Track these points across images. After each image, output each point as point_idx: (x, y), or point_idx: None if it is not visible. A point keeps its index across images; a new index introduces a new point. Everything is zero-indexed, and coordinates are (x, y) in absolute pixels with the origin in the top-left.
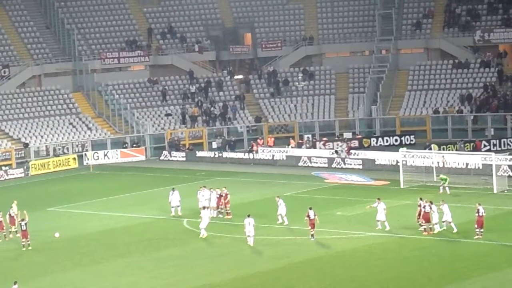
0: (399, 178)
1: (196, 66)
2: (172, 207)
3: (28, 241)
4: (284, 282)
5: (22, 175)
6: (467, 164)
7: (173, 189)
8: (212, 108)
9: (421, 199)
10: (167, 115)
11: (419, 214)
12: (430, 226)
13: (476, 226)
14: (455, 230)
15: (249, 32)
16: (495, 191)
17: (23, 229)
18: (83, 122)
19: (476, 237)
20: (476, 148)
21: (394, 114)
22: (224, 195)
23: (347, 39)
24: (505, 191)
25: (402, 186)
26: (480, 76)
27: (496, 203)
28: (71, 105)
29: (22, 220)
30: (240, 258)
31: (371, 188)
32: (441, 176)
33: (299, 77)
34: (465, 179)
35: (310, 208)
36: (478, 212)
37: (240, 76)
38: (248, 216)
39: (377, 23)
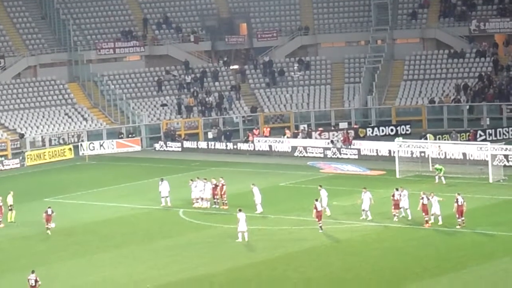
0: (395, 168)
1: (191, 56)
2: (162, 197)
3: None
4: (280, 272)
5: (18, 165)
6: (463, 154)
7: (162, 179)
8: (207, 98)
9: (397, 189)
10: (163, 105)
11: (395, 205)
12: (426, 218)
13: (456, 215)
14: (440, 223)
15: (244, 22)
16: (491, 181)
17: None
18: (79, 113)
19: (458, 226)
20: (473, 139)
21: (389, 104)
22: (220, 185)
23: (343, 29)
24: (501, 181)
25: (398, 176)
26: (475, 66)
27: (492, 192)
28: (66, 96)
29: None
30: (236, 248)
31: (367, 178)
32: (436, 166)
33: (295, 67)
34: (461, 169)
35: (317, 200)
36: (457, 201)
37: (236, 66)
38: (240, 210)
39: (373, 13)
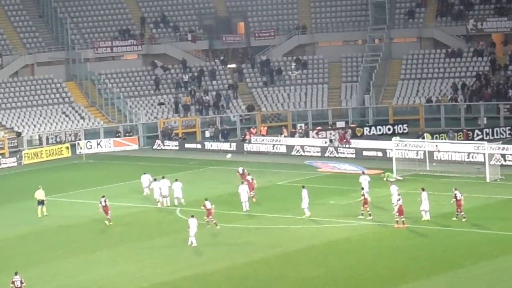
0: (391, 167)
1: (189, 55)
2: (165, 197)
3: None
4: (277, 271)
5: (15, 164)
6: (460, 153)
7: (155, 179)
8: (205, 97)
9: (362, 188)
10: (160, 104)
11: (364, 203)
12: (403, 219)
13: (457, 210)
14: (424, 218)
15: (242, 21)
16: (487, 180)
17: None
18: (76, 111)
19: (456, 218)
20: (466, 138)
21: (387, 103)
22: (251, 180)
23: (340, 28)
24: (498, 180)
25: (395, 175)
26: (473, 65)
27: (489, 192)
28: (64, 94)
29: None
30: (233, 247)
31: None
32: (388, 174)
33: (292, 66)
34: (458, 168)
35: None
36: (455, 196)
37: (233, 65)
38: (192, 216)
39: (370, 12)
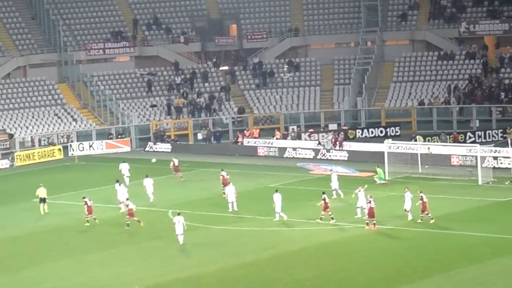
0: (384, 170)
1: (181, 57)
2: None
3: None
4: (269, 273)
5: (7, 166)
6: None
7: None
8: (198, 99)
9: (323, 193)
10: (153, 106)
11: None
12: (374, 221)
13: (422, 212)
14: (409, 218)
15: (234, 23)
16: (480, 183)
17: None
18: (68, 113)
19: (420, 221)
20: (455, 141)
21: (379, 106)
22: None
23: (333, 31)
24: (490, 183)
25: (387, 178)
26: (465, 68)
27: (481, 194)
28: (56, 96)
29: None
30: (225, 249)
31: (356, 179)
32: (379, 170)
33: (285, 69)
34: (450, 171)
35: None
36: (422, 198)
37: (226, 67)
38: (178, 214)
39: (363, 14)
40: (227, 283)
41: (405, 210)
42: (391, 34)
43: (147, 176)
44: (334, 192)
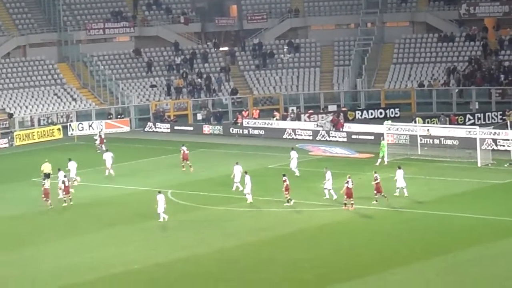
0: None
1: (181, 37)
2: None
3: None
4: (267, 254)
5: (7, 145)
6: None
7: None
8: (198, 80)
9: (284, 175)
10: (152, 86)
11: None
12: (352, 201)
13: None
14: (405, 195)
15: (234, 4)
16: (479, 165)
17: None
18: (68, 93)
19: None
20: (451, 123)
21: (379, 87)
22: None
23: (333, 12)
24: (489, 165)
25: (386, 159)
26: (465, 50)
27: (480, 176)
28: (56, 76)
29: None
30: (225, 230)
31: (355, 160)
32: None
33: (285, 50)
34: (450, 153)
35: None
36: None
37: (226, 48)
38: (159, 192)
39: None
40: (226, 263)
41: (398, 188)
42: (391, 15)
43: (107, 150)
44: (326, 192)
